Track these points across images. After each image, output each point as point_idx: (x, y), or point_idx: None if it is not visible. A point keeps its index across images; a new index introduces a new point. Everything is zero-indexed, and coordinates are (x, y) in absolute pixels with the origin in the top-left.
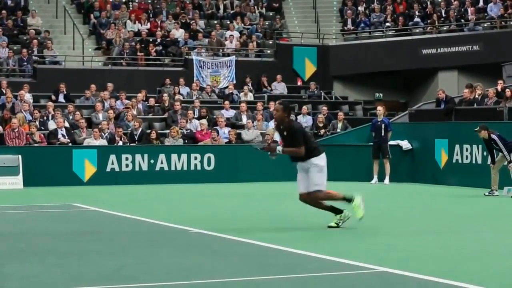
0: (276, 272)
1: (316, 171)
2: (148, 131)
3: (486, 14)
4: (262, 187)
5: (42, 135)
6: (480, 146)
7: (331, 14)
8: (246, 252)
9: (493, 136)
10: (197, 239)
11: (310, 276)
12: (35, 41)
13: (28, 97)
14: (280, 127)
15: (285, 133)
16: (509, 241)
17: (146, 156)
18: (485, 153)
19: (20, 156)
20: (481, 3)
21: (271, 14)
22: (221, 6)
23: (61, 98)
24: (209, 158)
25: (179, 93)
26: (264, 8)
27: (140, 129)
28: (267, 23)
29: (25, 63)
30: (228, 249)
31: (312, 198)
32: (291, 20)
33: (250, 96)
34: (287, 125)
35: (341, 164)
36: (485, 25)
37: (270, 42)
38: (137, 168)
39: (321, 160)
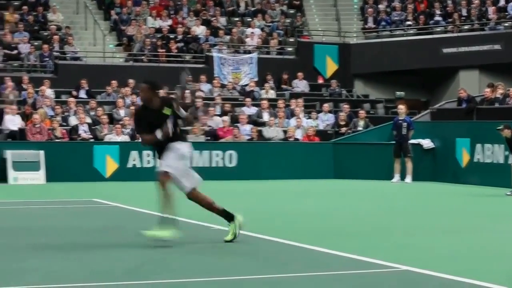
0: (298, 270)
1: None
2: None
3: (507, 13)
4: (283, 184)
5: (64, 131)
6: (502, 146)
7: (351, 12)
8: (268, 249)
9: None
10: (218, 235)
11: (333, 274)
12: (56, 36)
13: (49, 92)
14: (147, 109)
15: (157, 114)
16: None
17: None
18: (506, 153)
19: (42, 152)
20: (502, 2)
21: (292, 11)
22: (242, 3)
23: (82, 94)
24: (230, 155)
25: (200, 90)
26: (285, 6)
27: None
28: (288, 21)
29: (47, 59)
30: (249, 247)
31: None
32: (312, 17)
33: (271, 94)
34: (161, 104)
35: (362, 163)
36: (506, 24)
37: (291, 40)
38: (158, 164)
39: (185, 146)
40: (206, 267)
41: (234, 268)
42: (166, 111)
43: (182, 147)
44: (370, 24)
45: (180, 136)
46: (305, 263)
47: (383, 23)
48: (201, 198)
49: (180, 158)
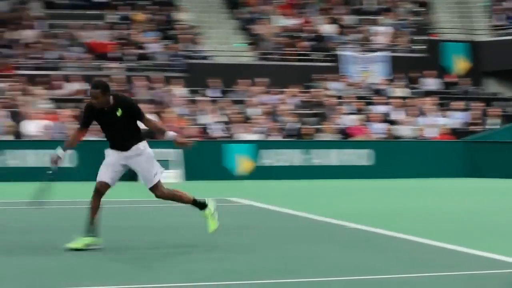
0: (435, 269)
1: (150, 159)
2: (300, 126)
3: None
4: (416, 183)
5: (196, 129)
6: None
7: (479, 9)
8: (404, 248)
9: None
10: (354, 234)
11: (471, 274)
12: (185, 36)
13: (181, 91)
14: (102, 112)
15: (116, 114)
16: None
17: (299, 151)
18: None
19: (178, 151)
20: None
21: (420, 9)
22: (368, 1)
23: (213, 93)
24: (365, 153)
25: (329, 88)
26: (413, 3)
27: (294, 124)
28: (416, 19)
29: (178, 58)
30: (389, 246)
31: (166, 194)
32: (440, 15)
33: (403, 92)
34: (116, 103)
35: (496, 161)
36: None
37: (420, 38)
38: (290, 163)
39: (146, 145)
40: (344, 266)
41: (371, 268)
42: (119, 112)
43: (146, 148)
44: (498, 21)
45: (139, 136)
46: (443, 263)
47: (509, 20)
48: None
49: (152, 160)
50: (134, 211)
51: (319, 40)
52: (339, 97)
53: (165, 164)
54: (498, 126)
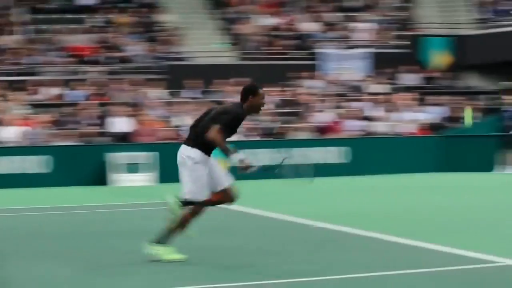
0: (404, 266)
1: None
2: (278, 125)
3: None
4: (394, 179)
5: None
6: None
7: (463, 3)
8: (372, 246)
9: None
10: (322, 234)
11: (438, 271)
12: (168, 38)
13: (160, 93)
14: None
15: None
16: None
17: (276, 150)
18: None
19: (153, 153)
20: None
21: (404, 4)
22: None
23: (194, 94)
24: (341, 151)
25: (308, 86)
26: None
27: (272, 123)
28: (400, 14)
29: (159, 60)
30: (352, 244)
31: None
32: (425, 10)
33: (384, 88)
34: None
35: (471, 155)
36: None
37: (404, 33)
38: (267, 162)
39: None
40: (314, 265)
41: (342, 267)
42: None
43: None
44: (482, 15)
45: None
46: (410, 260)
47: (493, 13)
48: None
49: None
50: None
51: (301, 38)
52: (317, 95)
53: (135, 168)
54: (478, 120)
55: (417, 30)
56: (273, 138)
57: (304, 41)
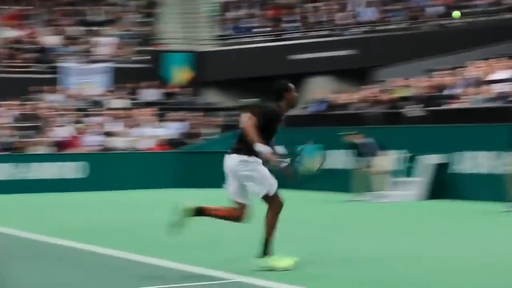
0: (131, 283)
1: None
2: (16, 139)
3: (358, 18)
4: (131, 194)
5: None
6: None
7: (204, 20)
8: (102, 263)
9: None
10: (57, 251)
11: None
12: None
13: None
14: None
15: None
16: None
17: (12, 165)
18: (351, 158)
19: None
20: (350, 8)
21: (146, 20)
22: (95, 12)
23: None
24: (79, 166)
25: (48, 101)
26: (139, 14)
27: (9, 138)
28: (142, 29)
29: None
30: (84, 261)
31: None
32: (167, 26)
33: (123, 103)
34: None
35: (207, 171)
36: (357, 30)
37: (144, 48)
38: (3, 177)
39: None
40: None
41: (71, 284)
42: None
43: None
44: (223, 31)
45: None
46: (137, 276)
47: (234, 30)
48: None
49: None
50: None
51: (42, 51)
52: (57, 109)
53: None
54: (216, 136)
55: (158, 45)
56: (11, 153)
57: (45, 55)
